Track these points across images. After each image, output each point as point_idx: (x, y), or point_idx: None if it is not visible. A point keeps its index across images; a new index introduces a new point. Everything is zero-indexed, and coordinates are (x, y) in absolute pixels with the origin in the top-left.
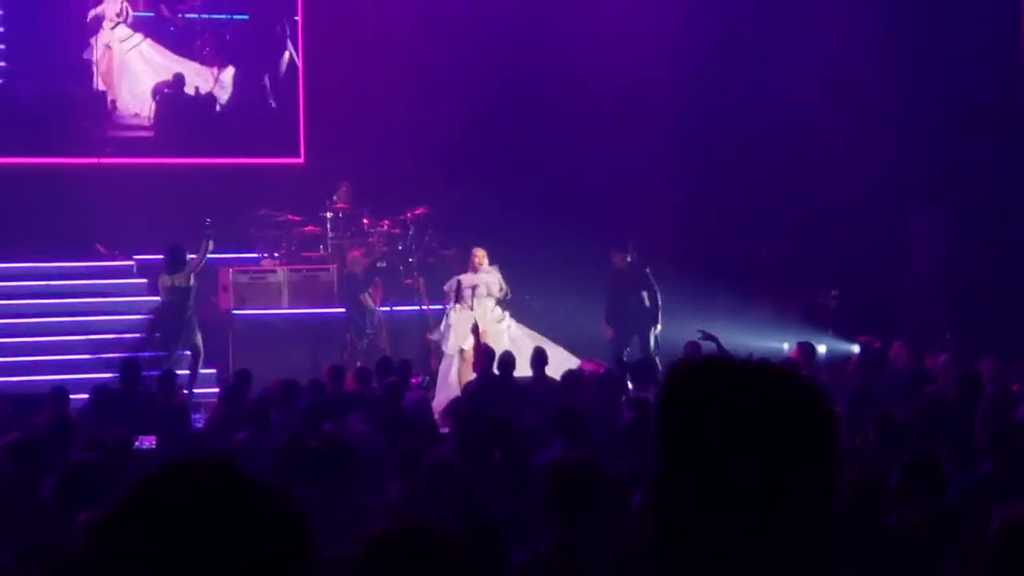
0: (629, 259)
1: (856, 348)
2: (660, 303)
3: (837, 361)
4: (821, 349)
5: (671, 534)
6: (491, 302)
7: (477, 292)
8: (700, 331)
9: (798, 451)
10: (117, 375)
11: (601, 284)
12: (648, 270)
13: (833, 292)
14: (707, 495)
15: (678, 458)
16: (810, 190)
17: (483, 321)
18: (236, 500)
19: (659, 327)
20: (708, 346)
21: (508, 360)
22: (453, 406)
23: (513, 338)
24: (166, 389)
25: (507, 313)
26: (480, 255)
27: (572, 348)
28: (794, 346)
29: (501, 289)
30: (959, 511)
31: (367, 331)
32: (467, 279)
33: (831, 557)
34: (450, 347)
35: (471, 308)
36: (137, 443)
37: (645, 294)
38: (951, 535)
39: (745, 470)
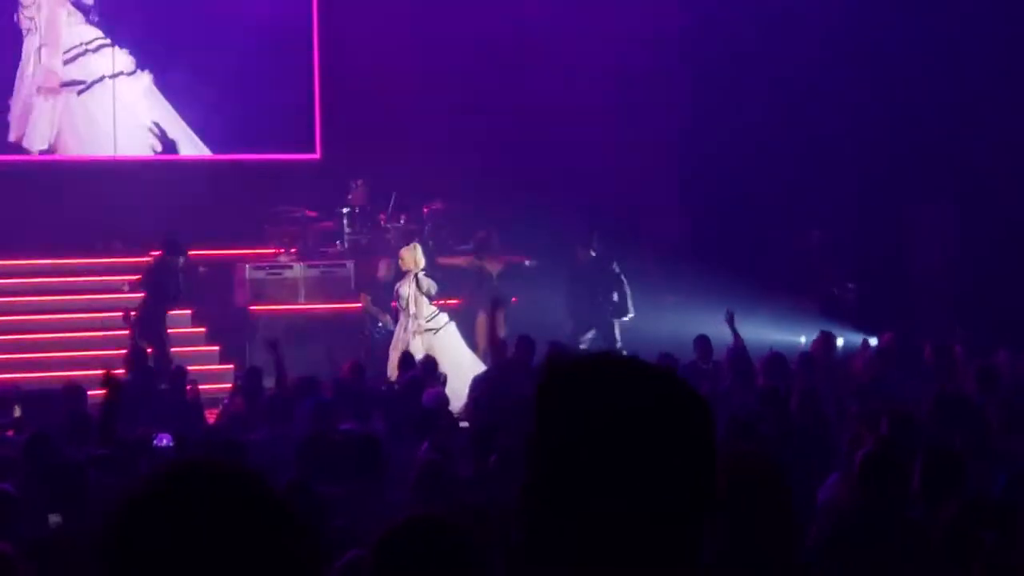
0: (593, 253)
1: (873, 341)
2: (628, 296)
3: (851, 355)
4: (839, 342)
5: (539, 531)
6: (422, 308)
7: (400, 296)
8: (727, 311)
9: (663, 449)
10: (128, 370)
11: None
12: (615, 264)
13: (849, 285)
14: (570, 493)
15: (544, 454)
16: (828, 181)
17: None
18: (243, 503)
19: (627, 319)
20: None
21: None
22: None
23: (438, 347)
24: (177, 384)
25: (441, 318)
26: (402, 256)
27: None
28: (813, 337)
29: (414, 291)
30: (1005, 504)
31: (376, 333)
32: (396, 285)
33: (698, 557)
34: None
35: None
36: (154, 439)
37: (615, 291)
38: (987, 528)
39: (607, 466)
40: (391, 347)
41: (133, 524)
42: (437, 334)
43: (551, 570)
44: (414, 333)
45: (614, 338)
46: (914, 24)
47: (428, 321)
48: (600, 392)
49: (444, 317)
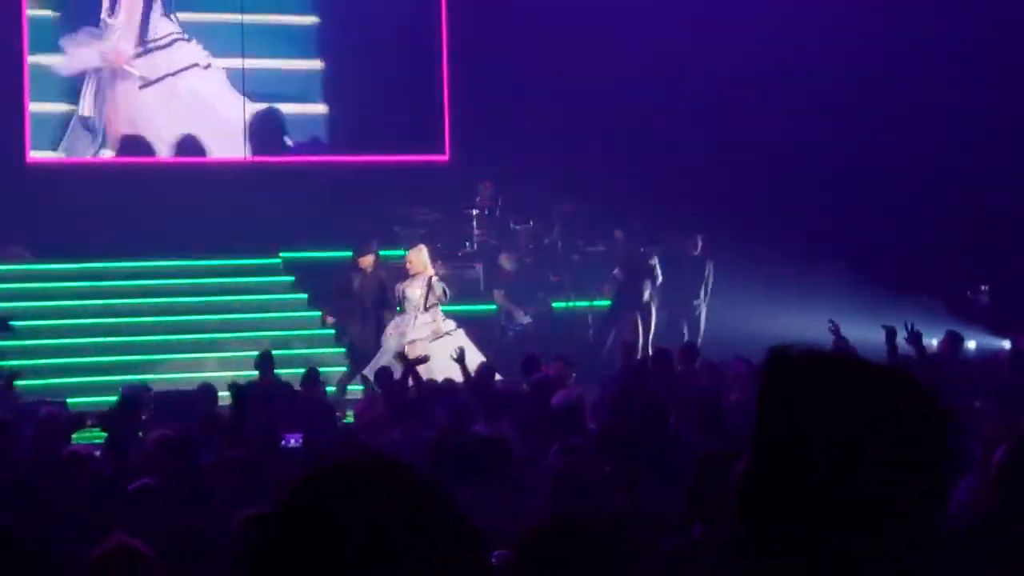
0: (697, 251)
1: (1007, 344)
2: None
3: (987, 357)
4: (970, 344)
5: (760, 527)
6: (425, 312)
7: (407, 299)
8: (830, 321)
9: (899, 451)
10: (258, 371)
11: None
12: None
13: (983, 287)
14: (802, 489)
15: (772, 450)
16: (958, 183)
17: (414, 331)
18: (409, 501)
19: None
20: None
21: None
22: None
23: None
24: (310, 385)
25: (449, 325)
26: (410, 259)
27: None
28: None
29: (427, 296)
30: None
31: (512, 329)
32: (399, 286)
33: (928, 559)
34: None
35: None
36: (284, 440)
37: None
38: None
39: (843, 466)
40: (382, 350)
41: (289, 525)
42: (445, 338)
43: (774, 565)
44: (433, 335)
45: (697, 328)
46: None
47: (442, 323)
48: (820, 390)
49: (452, 323)
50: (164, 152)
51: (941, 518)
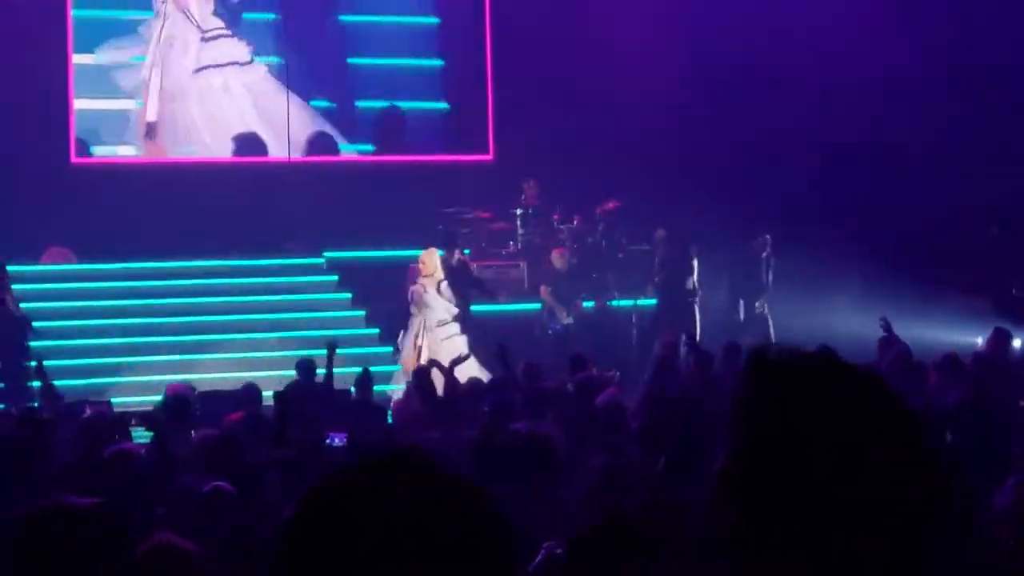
0: (765, 252)
1: None
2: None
3: None
4: (1016, 343)
5: (744, 523)
6: (437, 312)
7: (415, 301)
8: (882, 318)
9: (901, 451)
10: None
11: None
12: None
13: None
14: (803, 487)
15: (766, 448)
16: (1006, 177)
17: (424, 335)
18: (439, 496)
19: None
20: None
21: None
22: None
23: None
24: (364, 386)
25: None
26: (423, 261)
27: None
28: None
29: (437, 298)
30: None
31: (553, 329)
32: (413, 288)
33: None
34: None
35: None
36: (328, 439)
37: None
38: None
39: (845, 465)
40: (404, 353)
41: (321, 520)
42: (450, 340)
43: (775, 560)
44: (445, 337)
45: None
46: None
47: (446, 325)
48: (817, 390)
49: (456, 326)
50: (220, 150)
51: (947, 517)
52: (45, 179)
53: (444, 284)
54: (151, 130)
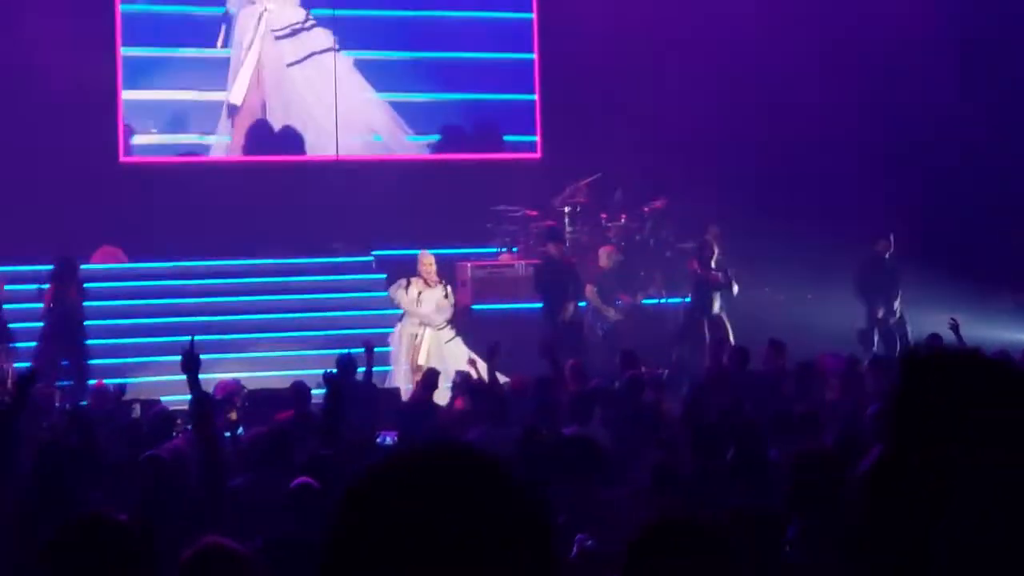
0: (887, 254)
1: None
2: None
3: None
4: None
5: (893, 515)
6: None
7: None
8: (951, 319)
9: None
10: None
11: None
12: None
13: None
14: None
15: (909, 441)
16: None
17: (426, 338)
18: (485, 487)
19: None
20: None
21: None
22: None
23: (451, 354)
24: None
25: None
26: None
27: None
28: None
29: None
30: None
31: (603, 328)
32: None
33: None
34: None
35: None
36: (380, 438)
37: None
38: None
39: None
40: (408, 353)
41: (365, 512)
42: (450, 343)
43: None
44: (448, 339)
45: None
46: None
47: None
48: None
49: (452, 330)
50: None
51: None
52: (95, 177)
53: (449, 289)
54: (238, 120)
